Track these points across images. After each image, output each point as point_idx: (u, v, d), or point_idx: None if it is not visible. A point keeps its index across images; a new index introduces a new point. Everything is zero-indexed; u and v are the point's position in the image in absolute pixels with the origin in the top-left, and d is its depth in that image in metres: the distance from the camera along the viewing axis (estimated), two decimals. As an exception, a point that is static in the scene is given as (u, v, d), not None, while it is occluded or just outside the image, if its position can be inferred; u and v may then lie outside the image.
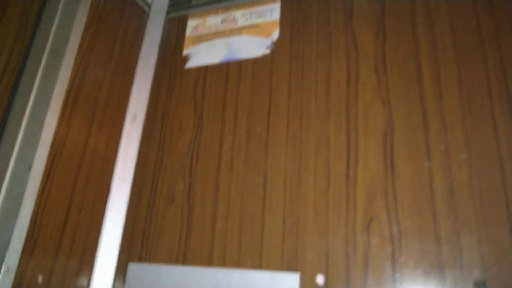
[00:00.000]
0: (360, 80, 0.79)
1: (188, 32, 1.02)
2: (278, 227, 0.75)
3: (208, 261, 0.78)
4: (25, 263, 0.70)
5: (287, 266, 0.73)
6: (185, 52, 0.99)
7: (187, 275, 0.77)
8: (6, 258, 0.67)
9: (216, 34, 0.98)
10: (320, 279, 0.70)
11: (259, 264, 0.74)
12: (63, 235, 0.79)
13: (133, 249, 0.84)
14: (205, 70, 0.94)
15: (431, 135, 0.71)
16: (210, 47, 0.97)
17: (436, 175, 0.68)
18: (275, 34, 0.90)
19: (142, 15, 1.06)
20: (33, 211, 0.71)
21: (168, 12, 1.06)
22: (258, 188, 0.79)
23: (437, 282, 0.63)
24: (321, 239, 0.72)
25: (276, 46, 0.89)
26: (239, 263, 0.76)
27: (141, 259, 0.82)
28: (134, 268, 0.81)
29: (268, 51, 0.89)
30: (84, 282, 0.82)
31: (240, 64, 0.91)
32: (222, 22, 0.98)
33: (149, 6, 1.07)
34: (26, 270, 0.71)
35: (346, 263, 0.69)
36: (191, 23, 1.03)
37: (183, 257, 0.80)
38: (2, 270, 0.67)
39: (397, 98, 0.75)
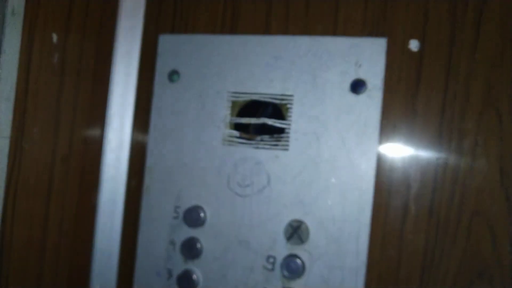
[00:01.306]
0: None
1: None
2: (361, -17, 0.58)
3: (265, 29, 0.62)
4: (32, 7, 0.52)
5: (370, 31, 0.58)
6: None
7: (237, 46, 0.62)
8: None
9: None
10: (413, 45, 0.56)
11: (333, 29, 0.59)
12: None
13: (162, 18, 0.66)
14: None
15: None
16: None
17: None
18: None
19: None
20: None
21: None
22: None
23: None
24: (419, -5, 0.56)
25: None
26: (307, 29, 0.60)
27: (174, 29, 0.66)
28: (166, 41, 0.65)
29: None
30: (106, 61, 0.66)
31: None
32: None
33: None
34: (36, 17, 0.53)
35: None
36: None
37: (231, 25, 0.63)
38: (8, 12, 0.49)
39: None
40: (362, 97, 0.57)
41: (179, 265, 0.61)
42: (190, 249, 0.60)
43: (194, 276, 0.60)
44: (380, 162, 0.56)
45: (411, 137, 0.56)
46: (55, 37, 0.56)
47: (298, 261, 0.56)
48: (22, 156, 0.53)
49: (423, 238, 0.54)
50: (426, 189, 0.55)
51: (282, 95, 0.60)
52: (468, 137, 0.54)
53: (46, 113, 0.57)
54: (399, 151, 0.56)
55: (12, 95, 0.50)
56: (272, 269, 0.57)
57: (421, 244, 0.54)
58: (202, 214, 0.60)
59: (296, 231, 0.57)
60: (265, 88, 0.60)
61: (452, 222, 0.54)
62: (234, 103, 0.62)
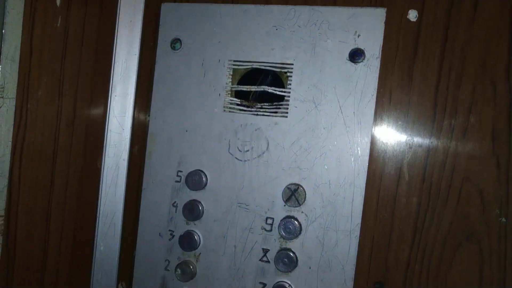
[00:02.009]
0: None
1: None
2: (362, -48, 0.59)
3: (266, -2, 0.63)
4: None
5: (369, 1, 0.59)
6: None
7: (239, 15, 0.63)
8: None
9: None
10: (412, 15, 0.57)
11: (333, -1, 0.60)
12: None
13: (165, -13, 0.67)
14: None
15: None
16: None
17: None
18: None
19: None
20: None
21: None
22: None
23: None
24: (419, -35, 0.57)
25: None
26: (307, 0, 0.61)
27: (177, -2, 0.67)
28: (169, 9, 0.66)
29: None
30: (109, 29, 0.67)
31: None
32: None
33: None
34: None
35: (450, -6, 0.56)
36: None
37: (233, -5, 0.64)
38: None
39: None
40: (360, 66, 0.58)
41: (180, 226, 0.64)
42: (192, 211, 0.62)
43: (195, 237, 0.62)
44: (376, 129, 0.58)
45: (407, 106, 0.57)
46: (58, 1, 0.57)
47: (295, 222, 0.58)
48: (28, 117, 0.55)
49: (416, 202, 0.57)
50: (419, 155, 0.57)
51: (282, 63, 0.61)
52: (463, 105, 0.55)
53: (50, 76, 0.58)
54: (395, 119, 0.58)
55: (17, 56, 0.51)
56: (270, 230, 0.60)
57: (414, 207, 0.57)
58: (203, 178, 0.62)
59: (293, 194, 0.59)
60: (266, 56, 0.62)
61: (443, 187, 0.56)
62: (235, 71, 0.63)
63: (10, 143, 0.52)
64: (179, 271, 0.63)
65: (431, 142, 0.56)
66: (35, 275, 0.61)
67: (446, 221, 0.55)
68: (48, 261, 0.63)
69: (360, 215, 0.57)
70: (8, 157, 0.52)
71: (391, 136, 0.58)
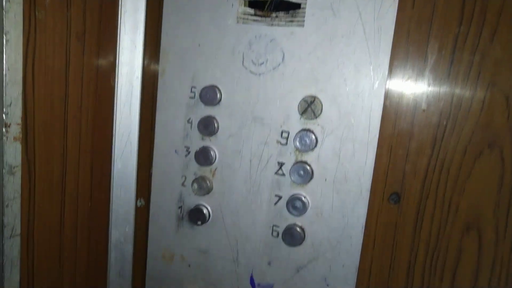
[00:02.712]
0: None
1: None
2: None
3: None
4: None
5: None
6: None
7: None
8: None
9: None
10: None
11: None
12: None
13: None
14: None
15: None
16: None
17: None
18: None
19: None
20: None
21: None
22: None
23: None
24: None
25: None
26: None
27: None
28: None
29: None
30: None
31: None
32: None
33: None
34: None
35: None
36: None
37: None
38: None
39: None
40: (383, -34, 0.54)
41: (196, 142, 0.64)
42: (207, 126, 0.62)
43: (211, 152, 0.62)
44: (397, 34, 0.55)
45: (431, 9, 0.54)
46: None
47: (311, 135, 0.57)
48: (37, 26, 0.53)
49: (437, 112, 0.55)
50: (442, 62, 0.54)
51: (298, -32, 0.57)
52: (493, 5, 0.51)
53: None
54: (417, 24, 0.54)
55: (22, -41, 0.49)
56: (286, 143, 0.59)
57: (434, 117, 0.55)
58: (217, 93, 0.61)
59: (309, 106, 0.57)
60: (281, -39, 0.58)
61: (467, 95, 0.53)
62: (248, -21, 0.60)
63: (21, 51, 0.51)
64: (195, 186, 0.63)
65: (457, 47, 0.53)
66: (56, 188, 0.63)
67: (468, 129, 0.54)
68: (67, 178, 0.64)
69: (378, 126, 0.56)
70: (20, 64, 0.51)
71: (413, 42, 0.55)
